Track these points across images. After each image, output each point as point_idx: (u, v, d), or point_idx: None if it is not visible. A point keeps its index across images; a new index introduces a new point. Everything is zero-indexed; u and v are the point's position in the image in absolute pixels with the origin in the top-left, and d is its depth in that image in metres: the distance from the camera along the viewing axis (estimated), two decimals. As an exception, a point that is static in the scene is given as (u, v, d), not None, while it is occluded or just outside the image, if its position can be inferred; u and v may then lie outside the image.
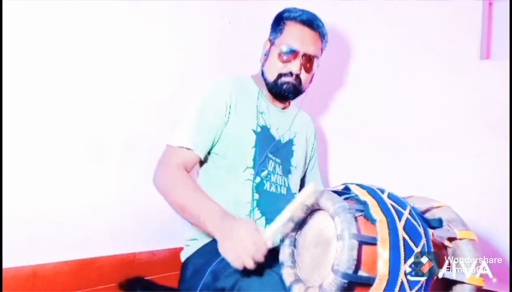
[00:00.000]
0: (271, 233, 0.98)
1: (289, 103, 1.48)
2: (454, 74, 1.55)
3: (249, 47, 1.59)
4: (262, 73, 1.38)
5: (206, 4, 1.73)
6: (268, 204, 1.29)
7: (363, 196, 0.94)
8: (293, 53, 1.31)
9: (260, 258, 0.97)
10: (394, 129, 1.66)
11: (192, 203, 1.13)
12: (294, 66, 1.31)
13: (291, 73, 1.32)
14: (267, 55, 1.37)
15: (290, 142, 1.43)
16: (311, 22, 1.33)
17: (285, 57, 1.32)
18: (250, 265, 0.96)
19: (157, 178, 1.23)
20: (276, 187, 1.34)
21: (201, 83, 1.35)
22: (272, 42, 1.36)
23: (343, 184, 1.02)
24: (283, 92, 1.35)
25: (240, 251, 0.96)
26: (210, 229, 1.07)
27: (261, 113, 1.37)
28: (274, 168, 1.35)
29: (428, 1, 1.60)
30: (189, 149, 1.24)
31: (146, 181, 1.52)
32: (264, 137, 1.34)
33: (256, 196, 1.29)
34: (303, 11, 1.35)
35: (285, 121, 1.43)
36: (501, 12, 1.54)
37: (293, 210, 0.98)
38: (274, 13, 1.42)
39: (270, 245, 0.98)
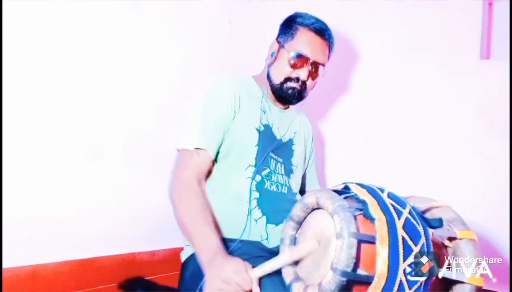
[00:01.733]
0: (259, 273, 0.99)
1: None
2: (454, 74, 1.55)
3: (249, 47, 1.59)
4: (268, 74, 1.39)
5: (206, 4, 1.73)
6: (269, 203, 1.29)
7: (363, 195, 0.95)
8: (303, 59, 1.32)
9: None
10: (394, 129, 1.66)
11: (192, 229, 1.15)
12: (303, 72, 1.32)
13: (297, 79, 1.33)
14: (274, 56, 1.37)
15: (290, 142, 1.44)
16: (323, 31, 1.35)
17: (295, 63, 1.32)
18: None
19: (170, 190, 1.24)
20: (277, 186, 1.34)
21: (201, 83, 1.36)
22: (281, 45, 1.36)
23: (343, 183, 1.02)
24: (288, 96, 1.36)
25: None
26: (202, 261, 1.10)
27: (264, 113, 1.37)
28: (276, 166, 1.36)
29: (428, 1, 1.60)
30: (201, 149, 1.25)
31: (146, 180, 1.54)
32: (266, 136, 1.35)
33: (257, 195, 1.29)
34: (316, 19, 1.36)
35: (285, 121, 1.44)
36: (501, 12, 1.54)
37: (288, 260, 1.00)
38: (274, 13, 1.43)
39: (255, 283, 0.99)
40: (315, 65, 1.34)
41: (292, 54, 1.32)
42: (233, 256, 1.07)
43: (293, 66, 1.33)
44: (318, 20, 1.36)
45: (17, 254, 1.25)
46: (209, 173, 1.32)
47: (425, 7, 1.61)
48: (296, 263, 1.03)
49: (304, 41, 1.33)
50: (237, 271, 0.99)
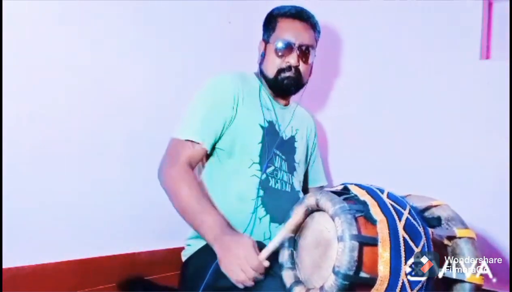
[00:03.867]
0: (266, 254, 1.01)
1: (289, 100, 1.49)
2: (454, 74, 1.54)
3: (249, 47, 1.59)
4: (262, 72, 1.40)
5: (206, 4, 1.73)
6: (273, 201, 1.29)
7: (363, 196, 0.94)
8: (289, 46, 1.34)
9: (259, 277, 1.02)
10: (394, 129, 1.66)
11: (196, 210, 1.15)
12: (292, 58, 1.34)
13: (290, 67, 1.34)
14: (263, 56, 1.39)
15: (292, 139, 1.44)
16: (300, 14, 1.38)
17: (282, 52, 1.34)
18: (250, 284, 1.03)
19: (163, 175, 1.24)
20: (281, 184, 1.34)
21: (201, 83, 1.35)
22: (266, 42, 1.39)
23: (342, 184, 1.02)
24: (285, 87, 1.37)
25: (240, 273, 1.02)
26: (209, 240, 1.11)
27: (267, 109, 1.38)
28: (281, 164, 1.36)
29: (428, 1, 1.60)
30: (197, 142, 1.25)
31: (146, 180, 1.52)
32: (270, 133, 1.35)
33: (261, 193, 1.28)
34: (291, 6, 1.39)
35: (287, 118, 1.44)
36: (501, 12, 1.53)
37: (288, 230, 1.00)
38: (274, 13, 1.43)
39: (267, 264, 1.02)
40: (303, 48, 1.35)
41: (277, 44, 1.34)
42: (240, 234, 1.09)
43: (282, 56, 1.35)
44: (293, 6, 1.39)
45: (17, 254, 1.25)
46: (212, 171, 1.33)
47: (425, 7, 1.60)
48: (296, 265, 1.03)
49: (285, 29, 1.36)
50: (246, 252, 1.02)
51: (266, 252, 1.01)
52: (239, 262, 1.01)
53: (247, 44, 1.70)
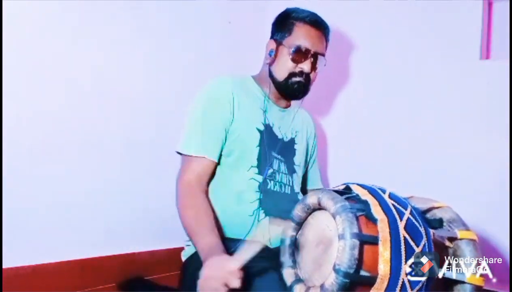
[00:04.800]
0: (238, 262, 0.95)
1: (291, 102, 1.49)
2: (454, 74, 1.55)
3: (249, 47, 1.59)
4: (270, 73, 1.39)
5: (206, 4, 1.73)
6: (272, 203, 1.29)
7: (364, 195, 0.95)
8: (305, 52, 1.33)
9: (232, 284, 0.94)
10: (394, 129, 1.66)
11: (194, 230, 1.15)
12: (305, 65, 1.34)
13: (301, 73, 1.34)
14: (272, 55, 1.37)
15: (292, 141, 1.44)
16: (318, 22, 1.37)
17: (297, 57, 1.34)
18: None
19: (176, 192, 1.25)
20: (281, 186, 1.34)
21: (201, 83, 1.35)
22: (279, 42, 1.37)
23: (344, 184, 1.02)
24: (294, 91, 1.37)
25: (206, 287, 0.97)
26: (203, 261, 1.07)
27: (264, 112, 1.37)
28: (279, 166, 1.36)
29: (428, 1, 1.60)
30: (203, 156, 1.25)
31: (146, 181, 1.53)
32: (268, 136, 1.35)
33: (260, 196, 1.28)
34: (309, 12, 1.38)
35: (286, 120, 1.44)
36: (501, 12, 1.54)
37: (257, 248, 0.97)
38: (274, 13, 1.42)
39: (238, 264, 0.95)
40: (316, 56, 1.35)
41: (293, 49, 1.33)
42: (227, 254, 1.04)
43: (296, 61, 1.34)
44: (311, 13, 1.38)
45: (17, 254, 1.25)
46: (212, 173, 1.32)
47: (425, 7, 1.61)
48: (296, 263, 1.03)
49: (302, 35, 1.35)
50: (213, 265, 0.98)
51: (238, 260, 0.95)
52: (206, 280, 0.97)
53: (247, 44, 1.71)
